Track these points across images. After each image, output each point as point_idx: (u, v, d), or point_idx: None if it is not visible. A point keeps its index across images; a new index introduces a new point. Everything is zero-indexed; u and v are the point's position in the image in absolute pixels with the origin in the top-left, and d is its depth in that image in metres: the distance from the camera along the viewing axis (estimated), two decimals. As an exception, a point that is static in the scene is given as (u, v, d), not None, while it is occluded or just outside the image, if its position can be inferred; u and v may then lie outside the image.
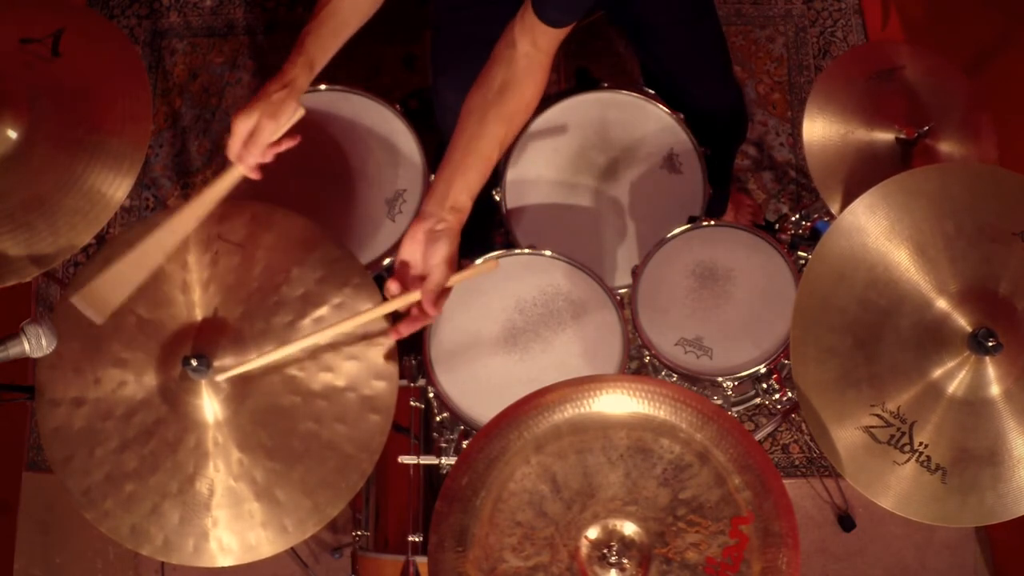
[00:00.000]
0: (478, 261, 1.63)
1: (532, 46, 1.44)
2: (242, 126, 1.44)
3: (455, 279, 1.39)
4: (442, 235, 1.37)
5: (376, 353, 1.44)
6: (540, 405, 1.27)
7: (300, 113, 1.49)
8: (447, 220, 1.38)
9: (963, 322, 1.35)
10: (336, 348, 1.43)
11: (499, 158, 1.46)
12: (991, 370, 1.34)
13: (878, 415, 1.35)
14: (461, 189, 1.40)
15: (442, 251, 1.36)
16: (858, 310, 1.38)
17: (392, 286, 1.37)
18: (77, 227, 1.54)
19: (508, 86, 1.43)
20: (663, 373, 1.76)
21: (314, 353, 1.43)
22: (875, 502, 1.34)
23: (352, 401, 1.41)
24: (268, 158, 1.48)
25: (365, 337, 1.45)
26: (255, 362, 1.39)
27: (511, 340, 1.71)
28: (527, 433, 1.26)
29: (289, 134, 1.49)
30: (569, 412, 1.27)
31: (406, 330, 1.40)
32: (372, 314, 1.41)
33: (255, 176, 1.48)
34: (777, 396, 1.78)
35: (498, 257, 1.76)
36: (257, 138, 1.45)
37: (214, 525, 1.37)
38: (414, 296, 1.37)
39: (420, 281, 1.37)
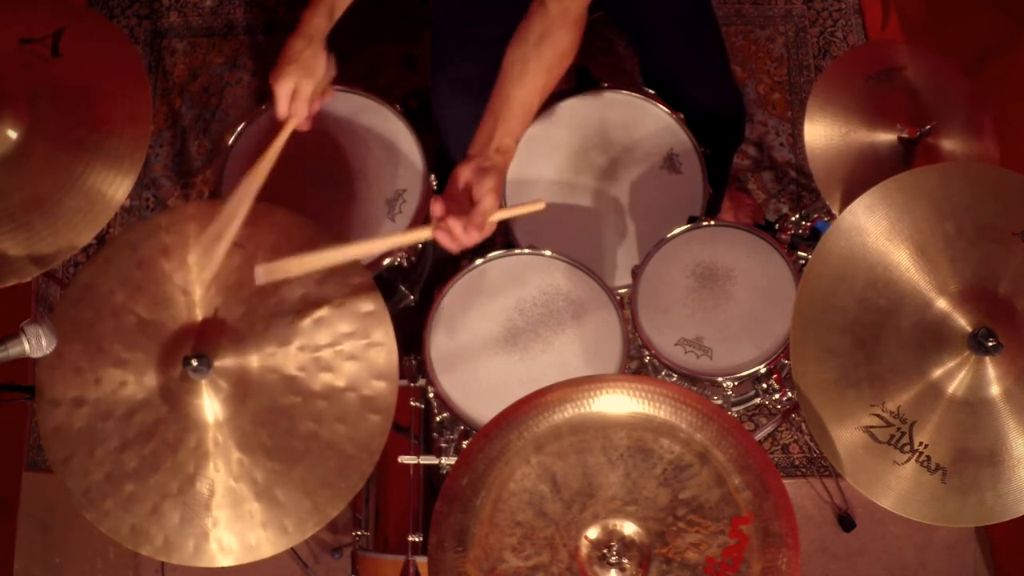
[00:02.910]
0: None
1: (560, 2, 1.47)
2: (283, 89, 1.53)
3: (501, 215, 1.41)
4: (490, 170, 1.40)
5: (376, 353, 1.44)
6: (540, 405, 1.27)
7: (333, 71, 1.58)
8: (493, 159, 1.42)
9: (963, 322, 1.35)
10: (336, 348, 1.44)
11: (539, 106, 1.49)
12: (991, 370, 1.34)
13: (878, 415, 1.35)
14: (504, 133, 1.44)
15: (490, 182, 1.39)
16: (858, 310, 1.38)
17: (437, 207, 1.38)
18: (77, 227, 1.54)
19: (545, 37, 1.47)
20: (663, 373, 1.76)
21: (314, 353, 1.43)
22: (875, 502, 1.34)
23: (352, 401, 1.41)
24: (315, 110, 1.59)
25: (366, 339, 1.45)
26: (295, 268, 1.41)
27: (511, 340, 1.71)
28: (527, 433, 1.27)
29: (328, 89, 1.59)
30: (569, 412, 1.27)
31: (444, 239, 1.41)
32: (410, 237, 1.49)
33: (307, 127, 1.59)
34: (777, 396, 1.78)
35: (498, 257, 1.76)
36: (300, 96, 1.54)
37: (214, 525, 1.37)
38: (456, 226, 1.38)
39: (464, 207, 1.40)
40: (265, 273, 1.40)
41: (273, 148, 1.55)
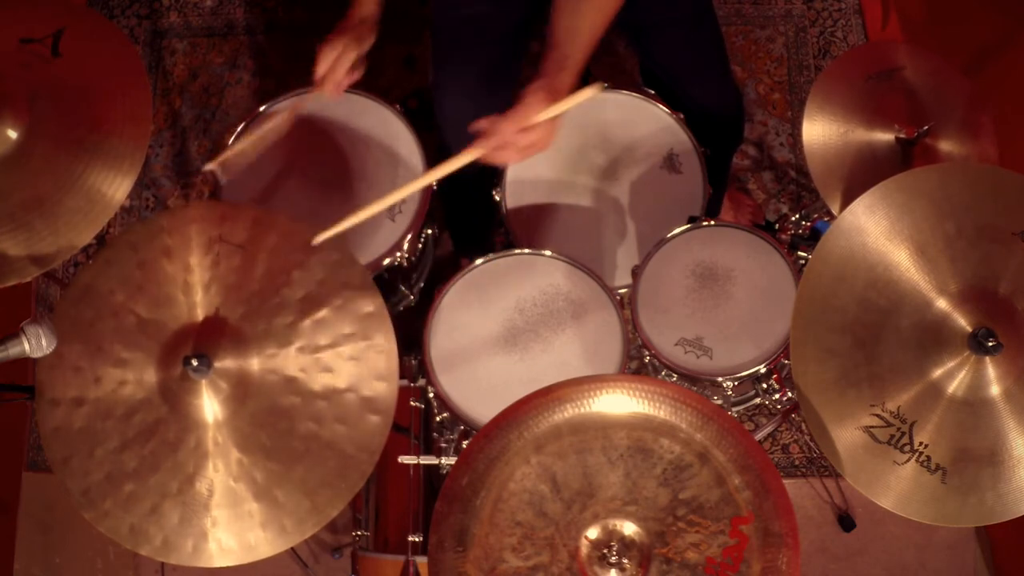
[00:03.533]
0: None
1: None
2: (329, 54, 1.66)
3: (554, 109, 1.40)
4: (539, 80, 1.41)
5: (376, 354, 1.44)
6: (540, 405, 1.27)
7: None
8: (544, 81, 1.41)
9: (963, 322, 1.35)
10: (336, 349, 1.44)
11: (592, 42, 1.48)
12: (991, 370, 1.34)
13: (878, 415, 1.35)
14: (555, 60, 1.43)
15: (538, 84, 1.41)
16: (858, 310, 1.38)
17: (479, 123, 1.43)
18: (77, 227, 1.54)
19: None
20: (663, 373, 1.76)
21: (314, 354, 1.43)
22: (875, 502, 1.34)
23: (352, 402, 1.41)
24: (345, 85, 1.71)
25: (366, 340, 1.45)
26: (349, 221, 1.46)
27: (511, 340, 1.71)
28: (527, 433, 1.27)
29: (359, 64, 1.71)
30: (569, 412, 1.27)
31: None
32: (458, 161, 1.47)
33: (336, 97, 1.73)
34: (777, 396, 1.78)
35: (498, 257, 1.76)
36: (341, 62, 1.67)
37: (213, 525, 1.37)
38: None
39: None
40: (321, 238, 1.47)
41: (297, 105, 1.74)
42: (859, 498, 2.25)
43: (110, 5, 2.83)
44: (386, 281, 1.91)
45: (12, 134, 1.55)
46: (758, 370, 1.70)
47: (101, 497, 1.38)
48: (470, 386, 1.68)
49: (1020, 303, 1.37)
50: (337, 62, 1.66)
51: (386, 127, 1.89)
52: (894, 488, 1.34)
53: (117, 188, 1.56)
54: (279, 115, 1.77)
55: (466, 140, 2.03)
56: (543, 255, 1.77)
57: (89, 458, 1.39)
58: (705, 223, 1.79)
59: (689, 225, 1.79)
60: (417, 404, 1.74)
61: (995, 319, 1.34)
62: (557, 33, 1.47)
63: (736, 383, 1.72)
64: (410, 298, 2.04)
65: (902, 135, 1.70)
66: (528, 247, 1.77)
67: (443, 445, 1.77)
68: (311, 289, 1.46)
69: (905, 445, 1.34)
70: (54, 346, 1.28)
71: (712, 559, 1.20)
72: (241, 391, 1.40)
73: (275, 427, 1.40)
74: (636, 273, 1.77)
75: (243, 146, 1.73)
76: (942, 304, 1.37)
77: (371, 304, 1.46)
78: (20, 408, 2.44)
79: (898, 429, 1.35)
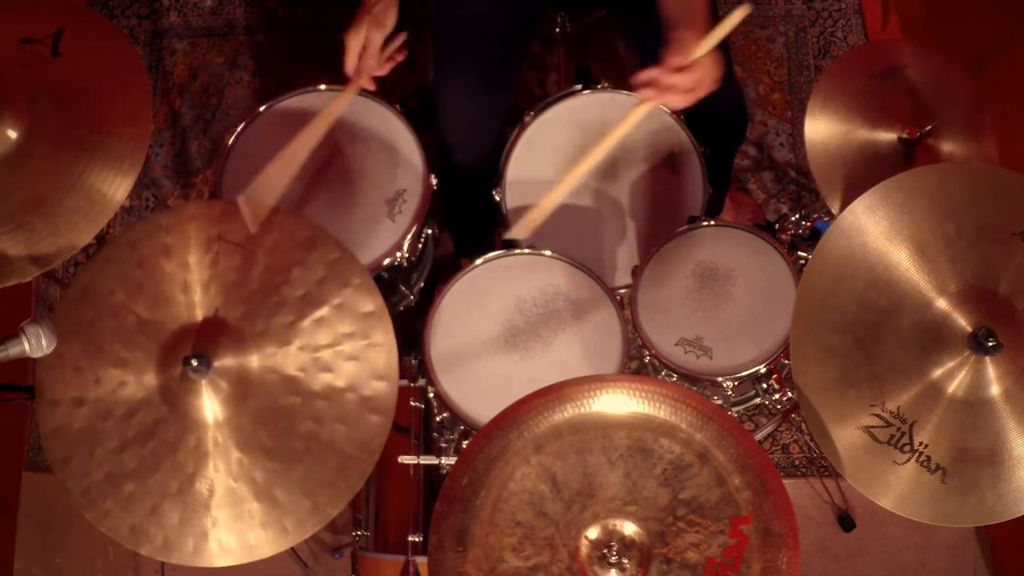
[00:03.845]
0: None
1: None
2: (354, 41, 1.61)
3: (711, 40, 1.41)
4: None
5: (376, 354, 1.44)
6: (540, 405, 1.27)
7: (401, 36, 1.65)
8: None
9: (963, 322, 1.35)
10: (336, 348, 1.44)
11: (705, 6, 1.48)
12: (991, 370, 1.34)
13: (878, 415, 1.35)
14: (681, 28, 1.43)
15: (678, 29, 1.41)
16: (858, 310, 1.38)
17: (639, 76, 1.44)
18: (77, 227, 1.54)
19: None
20: (663, 373, 1.76)
21: (314, 353, 1.43)
22: (875, 502, 1.34)
23: (352, 401, 1.41)
24: (384, 71, 1.66)
25: (366, 339, 1.45)
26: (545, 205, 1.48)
27: (511, 340, 1.71)
28: (527, 433, 1.26)
29: (399, 49, 1.66)
30: (569, 412, 1.27)
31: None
32: (634, 117, 1.48)
33: (372, 87, 1.67)
34: (777, 396, 1.78)
35: (498, 257, 1.76)
36: (370, 48, 1.61)
37: (214, 525, 1.37)
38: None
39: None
40: (524, 228, 1.47)
41: (336, 105, 1.64)
42: (859, 498, 2.25)
43: (110, 5, 2.83)
44: (386, 281, 1.91)
45: (12, 134, 1.55)
46: (758, 370, 1.70)
47: (101, 497, 1.38)
48: (470, 386, 1.68)
49: (1020, 303, 1.37)
50: (365, 49, 1.62)
51: (386, 127, 1.89)
52: (894, 488, 1.34)
53: (117, 188, 1.56)
54: (312, 129, 1.63)
55: (466, 140, 2.03)
56: (543, 255, 1.77)
57: (89, 458, 1.39)
58: (705, 223, 1.79)
59: (689, 225, 1.79)
60: (417, 404, 1.74)
61: (995, 319, 1.34)
62: (673, 13, 1.45)
63: (736, 383, 1.72)
64: (410, 298, 2.04)
65: (905, 135, 1.70)
66: (528, 247, 1.77)
67: (443, 445, 1.77)
68: (311, 288, 1.46)
69: (905, 445, 1.34)
70: (54, 346, 1.28)
71: (712, 559, 1.20)
72: (241, 391, 1.40)
73: (275, 427, 1.40)
74: (636, 273, 1.77)
75: (273, 173, 1.60)
76: (942, 304, 1.37)
77: (371, 303, 1.46)
78: (20, 408, 2.44)
79: (898, 429, 1.35)
